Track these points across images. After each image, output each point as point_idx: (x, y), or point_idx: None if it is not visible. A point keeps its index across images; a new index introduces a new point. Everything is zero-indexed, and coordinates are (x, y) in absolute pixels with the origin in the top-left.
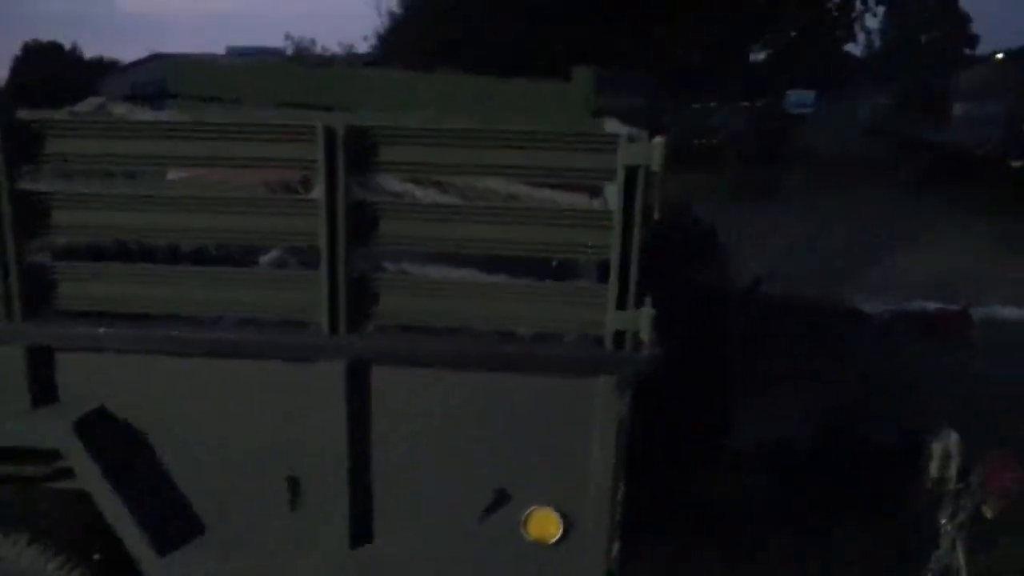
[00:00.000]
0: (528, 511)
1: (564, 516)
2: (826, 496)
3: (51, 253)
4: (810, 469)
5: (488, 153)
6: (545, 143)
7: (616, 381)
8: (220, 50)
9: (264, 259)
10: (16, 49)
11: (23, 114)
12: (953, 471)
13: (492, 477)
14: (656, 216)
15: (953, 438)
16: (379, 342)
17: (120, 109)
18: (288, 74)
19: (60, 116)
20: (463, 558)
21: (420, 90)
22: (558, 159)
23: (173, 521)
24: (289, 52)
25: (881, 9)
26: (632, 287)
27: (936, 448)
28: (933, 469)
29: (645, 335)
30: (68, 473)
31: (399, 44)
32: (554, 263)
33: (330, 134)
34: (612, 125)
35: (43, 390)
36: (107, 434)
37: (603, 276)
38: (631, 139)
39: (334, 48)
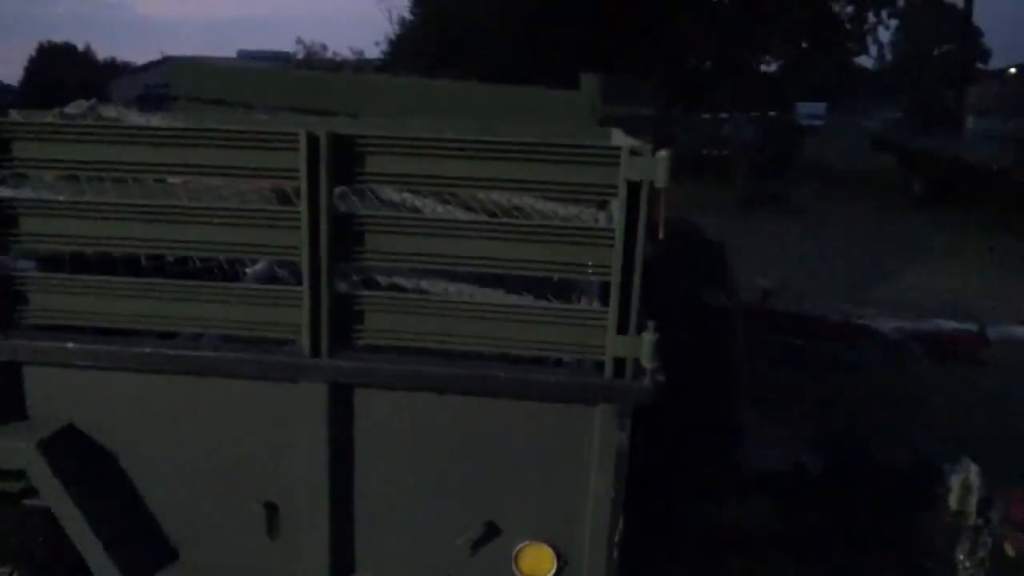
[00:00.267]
0: (520, 546)
1: (558, 552)
2: (836, 525)
3: (21, 262)
4: (819, 496)
5: (480, 165)
6: (542, 155)
7: (615, 410)
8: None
9: (251, 271)
10: (31, 50)
11: None
12: (973, 505)
13: (482, 508)
14: (661, 235)
15: (973, 470)
16: (363, 364)
17: (111, 112)
18: (292, 79)
19: (29, 119)
20: None
21: (425, 96)
22: (556, 172)
23: (144, 547)
24: (300, 56)
25: (893, 22)
26: (634, 310)
27: (955, 480)
28: (952, 501)
29: (647, 362)
30: (35, 492)
31: (410, 50)
32: (555, 279)
33: (312, 143)
34: (617, 135)
35: (10, 406)
36: (75, 454)
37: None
38: (634, 152)
39: (345, 53)
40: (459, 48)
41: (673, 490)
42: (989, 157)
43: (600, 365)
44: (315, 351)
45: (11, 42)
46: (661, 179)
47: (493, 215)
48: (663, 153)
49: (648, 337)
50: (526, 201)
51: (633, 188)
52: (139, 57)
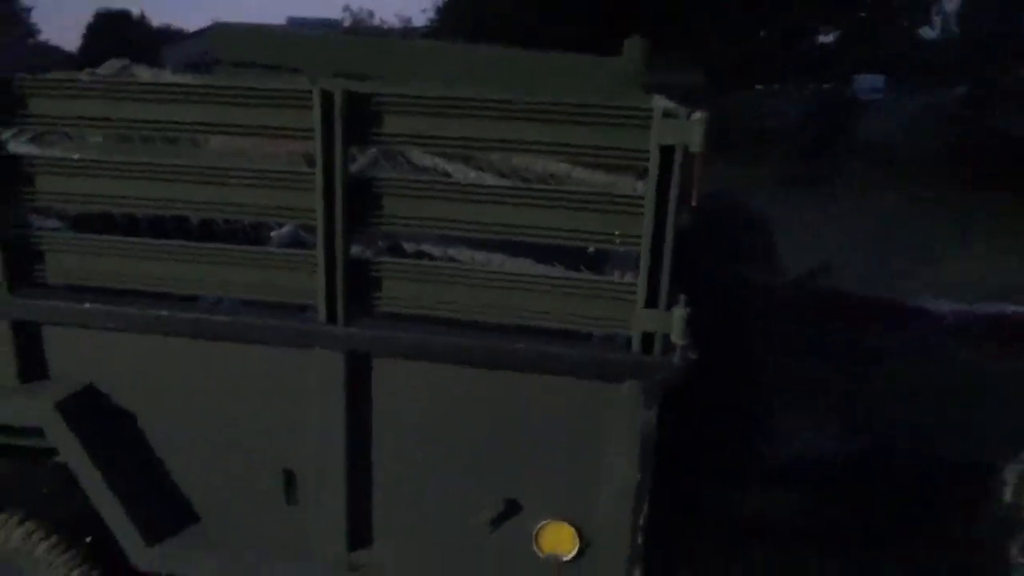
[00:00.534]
0: (541, 524)
1: (580, 533)
2: (879, 518)
3: (50, 221)
4: (862, 486)
5: (499, 125)
6: (566, 116)
7: (642, 388)
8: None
9: (275, 235)
10: (89, 17)
11: (5, 76)
12: None
13: (502, 485)
14: (694, 203)
15: None
16: (379, 333)
17: (145, 73)
18: (336, 44)
19: (45, 76)
20: (468, 570)
21: (468, 62)
22: (583, 135)
23: (162, 508)
24: (347, 23)
25: None
26: (664, 283)
27: (1012, 473)
28: (1007, 495)
29: (677, 338)
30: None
31: (457, 17)
32: (590, 250)
33: (327, 101)
34: (658, 101)
35: (31, 366)
36: (95, 414)
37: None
38: (667, 114)
39: (391, 20)
40: (508, 14)
41: (698, 472)
42: None
43: (630, 341)
44: (331, 318)
45: (71, 10)
46: (696, 143)
47: (525, 181)
48: (699, 115)
49: (679, 312)
50: (562, 168)
51: (666, 153)
52: (192, 24)
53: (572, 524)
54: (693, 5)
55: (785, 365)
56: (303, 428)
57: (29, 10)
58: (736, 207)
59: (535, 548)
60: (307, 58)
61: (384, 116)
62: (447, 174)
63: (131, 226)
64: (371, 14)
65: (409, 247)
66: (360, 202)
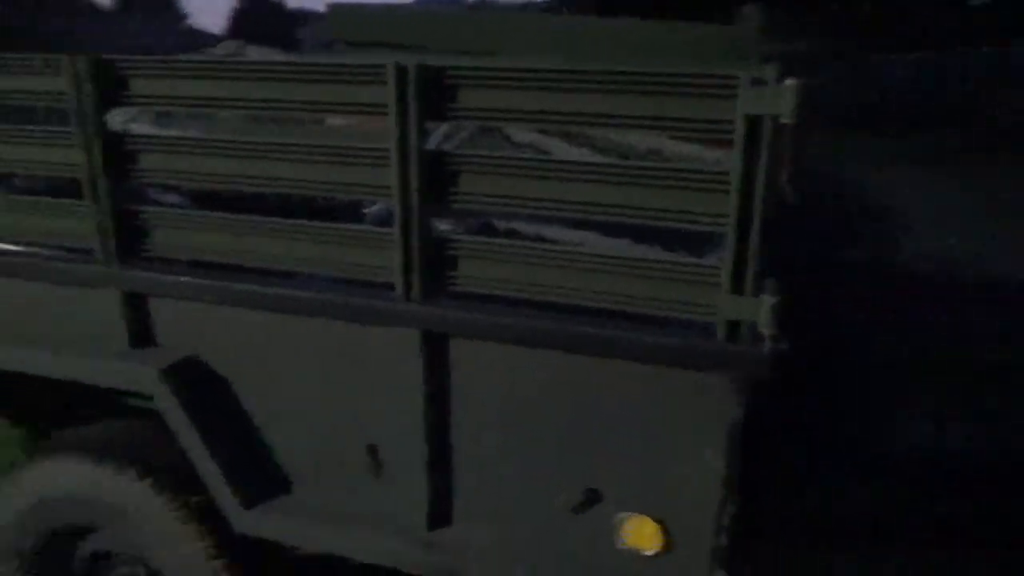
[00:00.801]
0: (622, 516)
1: (664, 528)
2: (995, 516)
3: (169, 197)
4: (980, 481)
5: (573, 97)
6: (643, 86)
7: (728, 380)
8: None
9: (369, 212)
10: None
11: (108, 56)
12: None
13: (583, 473)
14: (785, 179)
15: None
16: (454, 312)
17: (255, 53)
18: (452, 20)
19: (142, 58)
20: (548, 556)
21: (579, 35)
22: (661, 105)
23: (259, 476)
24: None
25: None
26: (751, 267)
27: None
28: None
29: (765, 327)
30: None
31: None
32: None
33: (401, 76)
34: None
35: (141, 334)
36: (196, 382)
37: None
38: (755, 82)
39: None
40: None
41: (801, 466)
42: None
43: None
44: (408, 296)
45: None
46: (788, 112)
47: (625, 158)
48: (791, 82)
49: (768, 299)
50: (666, 144)
51: (753, 124)
52: (322, 4)
53: (655, 519)
54: None
55: (895, 352)
56: (385, 405)
57: None
58: (843, 184)
59: (616, 540)
60: (424, 35)
61: (460, 90)
62: (546, 151)
63: (241, 203)
64: None
65: (500, 225)
66: (437, 179)
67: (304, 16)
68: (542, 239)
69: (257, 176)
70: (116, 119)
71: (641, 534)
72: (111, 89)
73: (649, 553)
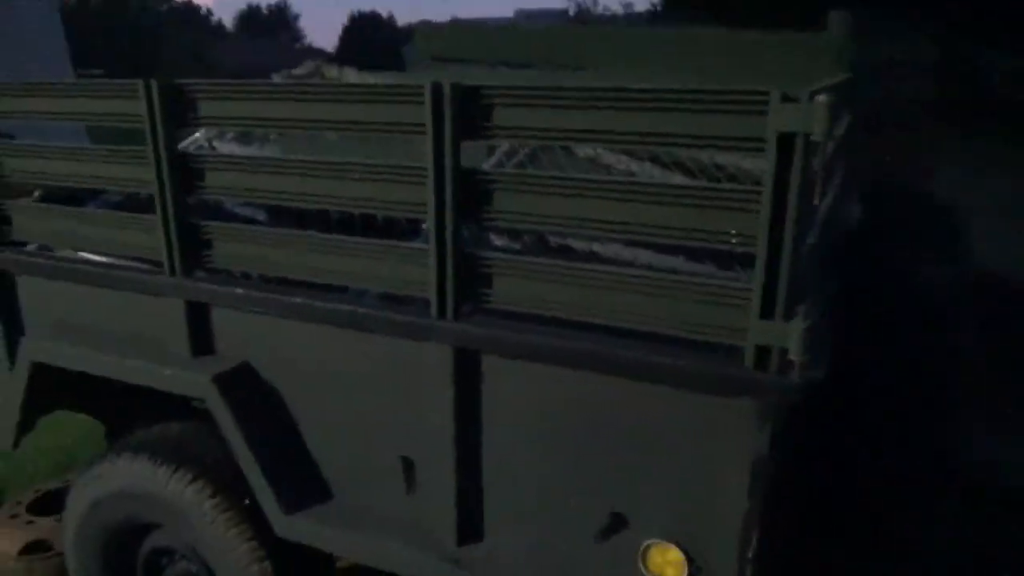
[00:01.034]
0: (648, 542)
1: (689, 558)
2: None
3: (218, 212)
4: None
5: (605, 116)
6: (674, 103)
7: (755, 407)
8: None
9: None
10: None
11: (179, 81)
12: None
13: (609, 496)
14: (816, 201)
15: None
16: (485, 330)
17: (333, 72)
18: (531, 35)
19: (205, 81)
20: None
21: (661, 46)
22: (696, 123)
23: (301, 483)
24: (572, 12)
25: None
26: (782, 291)
27: None
28: None
29: (795, 354)
30: None
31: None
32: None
33: (437, 95)
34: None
35: (200, 341)
36: (247, 389)
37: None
38: (785, 99)
39: (615, 7)
40: None
41: (876, 490)
42: None
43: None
44: (441, 312)
45: (331, 13)
46: (819, 130)
47: (690, 173)
48: (822, 98)
49: (797, 324)
50: (730, 159)
51: (784, 141)
52: (433, 20)
53: (681, 547)
54: None
55: (973, 367)
56: (419, 419)
57: (296, 17)
58: (918, 194)
59: (640, 567)
60: (510, 51)
61: (495, 109)
62: (607, 165)
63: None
64: (595, 2)
65: (554, 242)
66: (471, 197)
67: (409, 33)
68: (595, 256)
69: (301, 193)
70: (199, 138)
71: (666, 562)
72: (180, 111)
73: None
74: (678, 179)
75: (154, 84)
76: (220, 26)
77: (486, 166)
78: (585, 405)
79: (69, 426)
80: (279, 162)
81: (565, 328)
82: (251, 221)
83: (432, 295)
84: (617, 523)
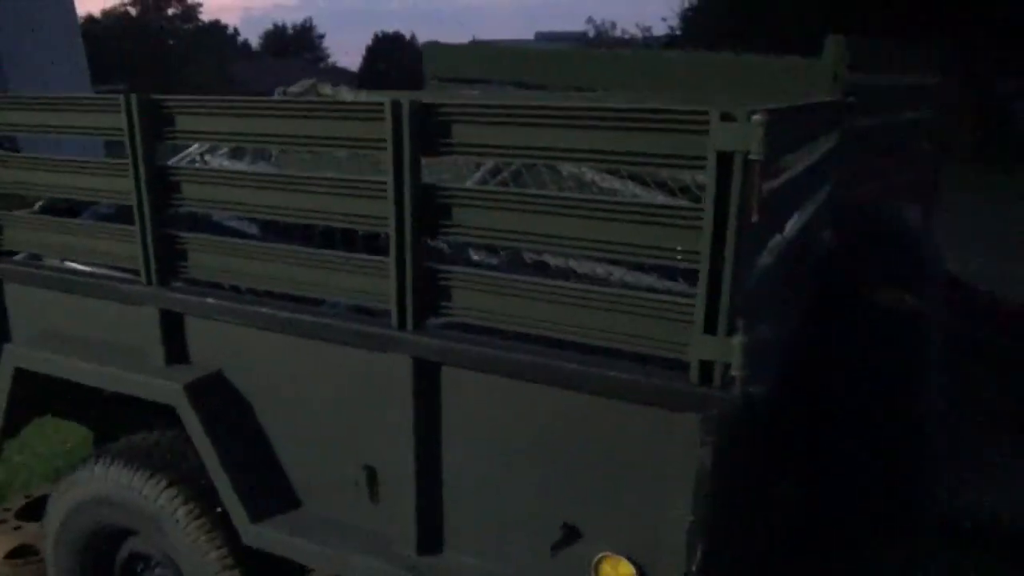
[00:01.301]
0: (600, 555)
1: (641, 570)
2: None
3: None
4: None
5: (558, 133)
6: (621, 122)
7: (699, 421)
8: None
9: None
10: (369, 41)
11: (157, 96)
12: None
13: (564, 509)
14: (754, 218)
15: None
16: (442, 341)
17: (327, 90)
18: (537, 56)
19: (181, 97)
20: None
21: (665, 69)
22: (639, 141)
23: (268, 491)
24: (591, 35)
25: None
26: (723, 306)
27: None
28: None
29: (736, 369)
30: None
31: (699, 24)
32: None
33: (396, 112)
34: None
35: (174, 350)
36: (217, 398)
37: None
38: (724, 118)
39: (632, 30)
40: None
41: (838, 535)
42: None
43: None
44: (401, 324)
45: (354, 35)
46: (756, 149)
47: (671, 193)
48: (759, 118)
49: (738, 340)
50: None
51: (724, 160)
52: (453, 43)
53: (632, 560)
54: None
55: (956, 402)
56: (382, 429)
57: (322, 36)
58: (892, 222)
59: None
60: (516, 71)
61: (453, 126)
62: (592, 183)
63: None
64: (613, 25)
65: (529, 257)
66: (430, 211)
67: None
68: (571, 272)
69: (272, 206)
70: (193, 152)
71: (617, 575)
72: (158, 125)
73: None
74: (653, 198)
75: (134, 99)
76: (246, 45)
77: (470, 182)
78: (539, 417)
79: (66, 432)
80: (251, 176)
81: (536, 343)
82: (241, 234)
83: (392, 306)
84: (571, 536)
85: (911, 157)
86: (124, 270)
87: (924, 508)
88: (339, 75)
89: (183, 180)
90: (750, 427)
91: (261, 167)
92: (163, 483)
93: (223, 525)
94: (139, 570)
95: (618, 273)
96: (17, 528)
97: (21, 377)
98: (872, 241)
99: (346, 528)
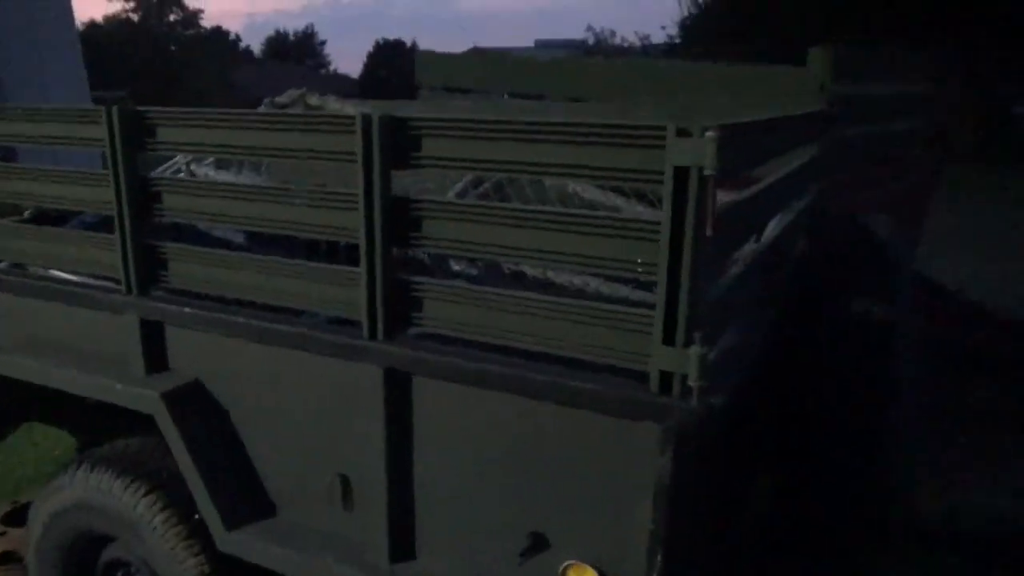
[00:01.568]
0: (567, 563)
1: None
2: None
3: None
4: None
5: (522, 148)
6: (582, 137)
7: (659, 431)
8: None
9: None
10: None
11: (139, 108)
12: None
13: (532, 517)
14: (709, 231)
15: None
16: (412, 351)
17: (315, 100)
18: (526, 66)
19: (161, 109)
20: None
21: (655, 79)
22: (599, 156)
23: (244, 499)
24: (590, 43)
25: None
26: (681, 318)
27: None
28: None
29: (693, 380)
30: None
31: (697, 33)
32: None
33: (367, 125)
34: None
35: (154, 358)
36: (195, 406)
37: None
38: (680, 134)
39: (632, 38)
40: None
41: (809, 540)
42: None
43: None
44: (372, 334)
45: (355, 41)
46: (710, 164)
47: (652, 205)
48: (712, 134)
49: (695, 351)
50: None
51: (680, 174)
52: (453, 50)
53: (597, 568)
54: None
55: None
56: (354, 438)
57: (323, 43)
58: (861, 232)
59: None
60: (502, 79)
61: (422, 140)
62: (575, 194)
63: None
64: (613, 33)
65: (507, 268)
66: (400, 223)
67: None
68: (550, 284)
69: (249, 217)
70: (179, 162)
71: None
72: (138, 136)
73: None
74: (634, 209)
75: (115, 111)
76: (248, 52)
77: (452, 193)
78: (508, 427)
79: (54, 438)
80: (229, 187)
81: (513, 354)
82: (227, 243)
83: (363, 317)
84: (539, 544)
85: (902, 166)
86: (106, 279)
87: (889, 512)
88: (341, 81)
89: (162, 190)
90: (712, 436)
91: (248, 177)
92: (142, 490)
93: (200, 532)
94: None
95: (595, 284)
96: (2, 534)
97: (4, 384)
98: (841, 251)
99: (320, 536)
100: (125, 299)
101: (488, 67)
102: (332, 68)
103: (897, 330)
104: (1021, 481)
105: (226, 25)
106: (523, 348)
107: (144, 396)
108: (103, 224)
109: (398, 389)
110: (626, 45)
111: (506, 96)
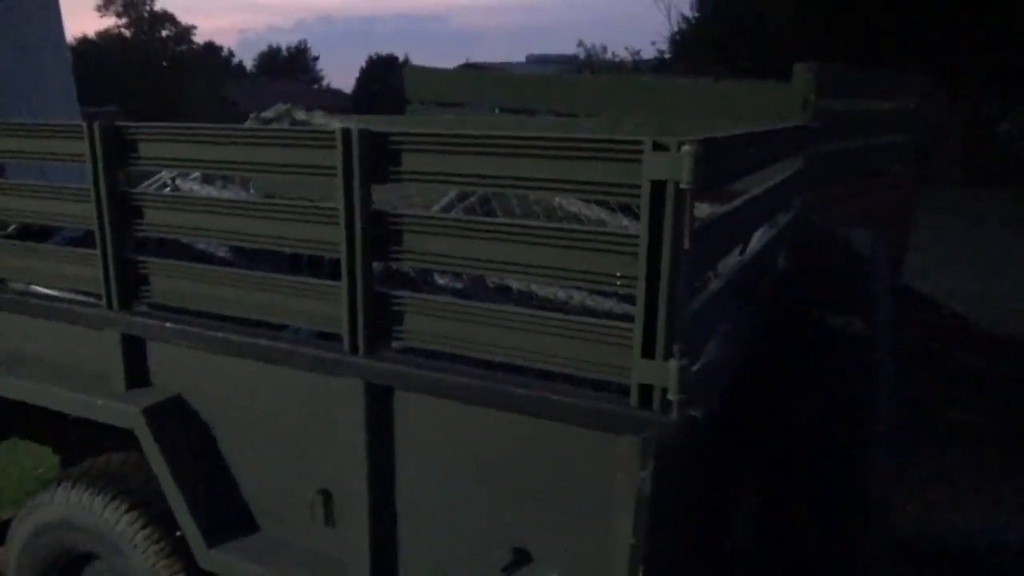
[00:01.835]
0: None
1: None
2: None
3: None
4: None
5: (500, 162)
6: (560, 151)
7: (639, 444)
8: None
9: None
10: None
11: (118, 124)
12: None
13: (515, 532)
14: (687, 244)
15: None
16: (393, 365)
17: (301, 115)
18: (513, 81)
19: (141, 124)
20: None
21: (642, 94)
22: (576, 170)
23: (226, 516)
24: (581, 58)
25: None
26: (660, 331)
27: None
28: None
29: (673, 393)
30: None
31: (688, 48)
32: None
33: (347, 140)
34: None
35: (135, 374)
36: (176, 422)
37: None
38: (657, 148)
39: (623, 54)
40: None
41: (793, 553)
42: None
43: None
44: (353, 348)
45: (349, 56)
46: (686, 178)
47: (636, 218)
48: (688, 148)
49: (674, 364)
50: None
51: (657, 188)
52: (446, 65)
53: None
54: (958, 28)
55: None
56: (336, 453)
57: (316, 59)
58: (842, 247)
59: None
60: (489, 94)
61: (402, 154)
62: (560, 206)
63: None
64: (603, 48)
65: (491, 281)
66: (380, 237)
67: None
68: (534, 296)
69: (229, 231)
70: (163, 177)
71: None
72: (119, 151)
73: None
74: (619, 223)
75: (96, 126)
76: (240, 67)
77: (437, 206)
78: (490, 441)
79: (38, 456)
80: (210, 201)
81: (499, 369)
82: (210, 257)
83: (344, 331)
84: (521, 559)
85: (885, 181)
86: (88, 294)
87: (867, 527)
88: (333, 96)
89: (144, 205)
90: (693, 448)
91: (233, 192)
92: (123, 507)
93: (182, 550)
94: None
95: (579, 297)
96: None
97: None
98: (824, 263)
99: (302, 552)
100: (106, 314)
101: (475, 82)
102: (326, 83)
103: (876, 344)
104: (1006, 496)
105: (219, 40)
106: (505, 361)
107: (125, 412)
108: (88, 239)
109: (379, 404)
110: (617, 60)
111: (497, 111)
